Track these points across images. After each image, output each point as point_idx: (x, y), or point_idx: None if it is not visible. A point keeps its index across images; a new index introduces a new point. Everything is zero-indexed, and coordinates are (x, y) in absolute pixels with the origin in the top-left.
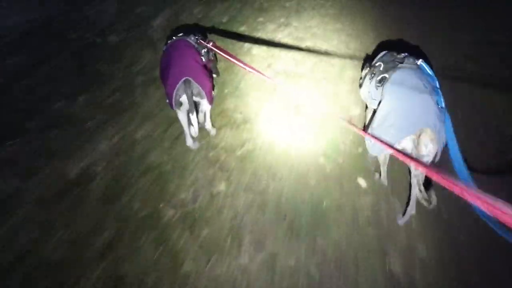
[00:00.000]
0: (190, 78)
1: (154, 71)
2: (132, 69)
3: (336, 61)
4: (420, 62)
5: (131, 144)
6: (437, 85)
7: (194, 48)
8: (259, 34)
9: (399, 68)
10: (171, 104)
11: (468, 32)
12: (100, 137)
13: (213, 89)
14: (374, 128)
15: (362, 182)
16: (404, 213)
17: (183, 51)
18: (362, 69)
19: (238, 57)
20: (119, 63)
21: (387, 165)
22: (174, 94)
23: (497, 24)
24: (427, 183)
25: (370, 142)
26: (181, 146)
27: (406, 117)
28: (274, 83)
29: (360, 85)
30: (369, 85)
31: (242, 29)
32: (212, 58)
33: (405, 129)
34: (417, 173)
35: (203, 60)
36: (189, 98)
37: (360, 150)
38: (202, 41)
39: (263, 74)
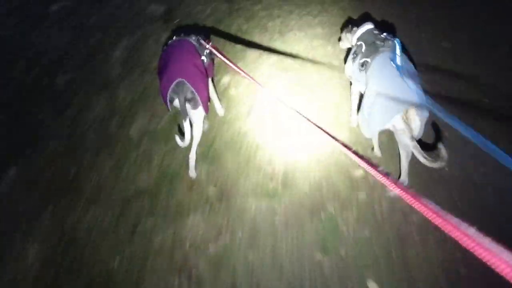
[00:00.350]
0: (184, 80)
1: (108, 124)
2: (80, 122)
3: (330, 101)
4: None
5: (71, 241)
6: (414, 67)
7: (195, 49)
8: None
9: (380, 52)
10: (166, 105)
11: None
12: (31, 238)
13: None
14: (365, 113)
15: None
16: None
17: (182, 52)
18: (341, 31)
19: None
20: (66, 113)
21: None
22: (167, 97)
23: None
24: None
25: (364, 126)
26: (139, 239)
27: (393, 99)
28: (270, 98)
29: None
30: (352, 65)
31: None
32: (212, 61)
33: (394, 110)
34: (414, 144)
35: (205, 62)
36: (182, 104)
37: (367, 233)
38: (203, 42)
39: (258, 83)
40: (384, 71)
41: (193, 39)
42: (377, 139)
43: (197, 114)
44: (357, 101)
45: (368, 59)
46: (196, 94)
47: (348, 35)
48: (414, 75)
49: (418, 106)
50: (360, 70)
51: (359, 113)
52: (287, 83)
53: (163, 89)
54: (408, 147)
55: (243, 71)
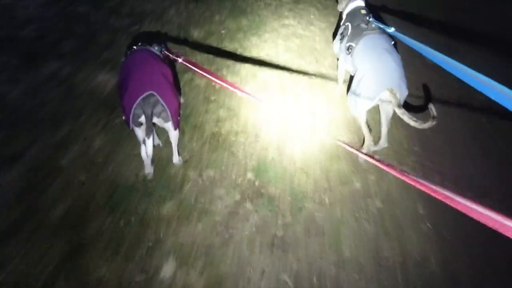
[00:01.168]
0: (154, 94)
1: None
2: None
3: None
4: (391, 30)
5: None
6: (395, 46)
7: (161, 59)
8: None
9: (364, 35)
10: (128, 123)
11: None
12: None
13: (179, 114)
14: (354, 91)
15: None
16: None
17: (148, 62)
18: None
19: None
20: None
21: (367, 123)
22: (132, 111)
23: None
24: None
25: (352, 105)
26: None
27: (377, 77)
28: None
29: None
30: (339, 45)
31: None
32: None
33: (380, 86)
34: (403, 111)
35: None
36: (148, 119)
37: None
38: (169, 53)
39: (244, 92)
40: (368, 53)
41: (155, 49)
42: (365, 122)
43: (170, 129)
44: (343, 76)
45: (353, 43)
46: (166, 108)
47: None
48: (395, 55)
49: (400, 83)
50: (346, 53)
51: (348, 93)
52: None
53: (126, 105)
54: (389, 115)
55: (219, 78)
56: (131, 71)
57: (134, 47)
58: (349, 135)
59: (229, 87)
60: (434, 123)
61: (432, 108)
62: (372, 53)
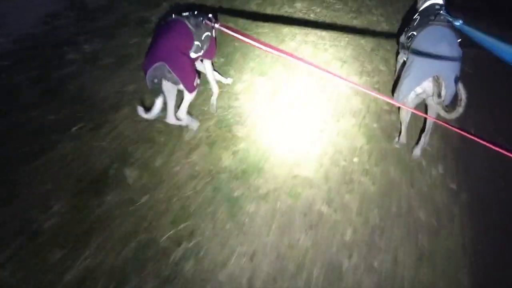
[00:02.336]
0: (164, 63)
1: None
2: None
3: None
4: (458, 23)
5: None
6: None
7: (189, 33)
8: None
9: (429, 25)
10: (147, 84)
11: None
12: None
13: (198, 77)
14: (400, 78)
15: None
16: (418, 141)
17: (169, 33)
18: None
19: None
20: None
21: (407, 126)
22: (147, 76)
23: None
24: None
25: (396, 90)
26: None
27: (427, 63)
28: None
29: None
30: (404, 36)
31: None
32: (213, 43)
33: (422, 76)
34: (439, 100)
35: (199, 47)
36: (159, 82)
37: None
38: (208, 22)
39: (286, 53)
40: (425, 41)
41: (191, 21)
42: (406, 122)
43: (185, 92)
44: (400, 68)
45: (415, 32)
46: (177, 77)
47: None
48: (454, 47)
49: (449, 75)
50: (407, 42)
51: (396, 80)
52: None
53: (145, 68)
54: (434, 107)
55: (256, 40)
56: (154, 39)
57: (173, 15)
58: None
59: (264, 47)
60: (461, 110)
61: (461, 89)
62: (430, 41)
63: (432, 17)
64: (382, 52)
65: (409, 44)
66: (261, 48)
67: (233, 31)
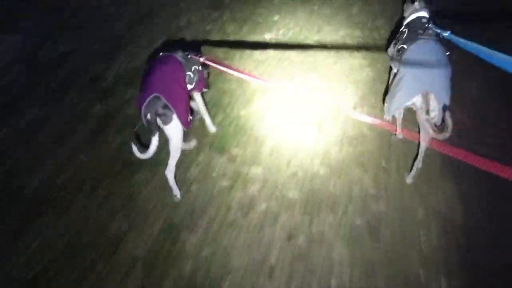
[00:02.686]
0: (158, 95)
1: None
2: None
3: None
4: (446, 33)
5: None
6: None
7: (180, 64)
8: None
9: (418, 39)
10: (142, 121)
11: None
12: None
13: (191, 114)
14: (390, 93)
15: None
16: (411, 169)
17: (162, 66)
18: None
19: None
20: None
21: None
22: (142, 111)
23: None
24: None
25: (386, 105)
26: None
27: (416, 78)
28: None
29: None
30: (393, 49)
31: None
32: (206, 76)
33: (412, 91)
34: (427, 117)
35: (192, 77)
36: (152, 119)
37: None
38: (194, 56)
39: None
40: (415, 55)
41: (179, 55)
42: (400, 119)
43: (169, 129)
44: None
45: (405, 46)
46: (168, 109)
47: (407, 7)
48: (443, 63)
49: (439, 91)
50: (397, 55)
51: (387, 94)
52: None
53: (139, 104)
54: (425, 126)
55: (244, 73)
56: (147, 76)
57: (161, 52)
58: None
59: (250, 78)
60: (448, 135)
61: (448, 118)
62: (420, 56)
63: (421, 31)
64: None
65: (399, 57)
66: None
67: (217, 63)
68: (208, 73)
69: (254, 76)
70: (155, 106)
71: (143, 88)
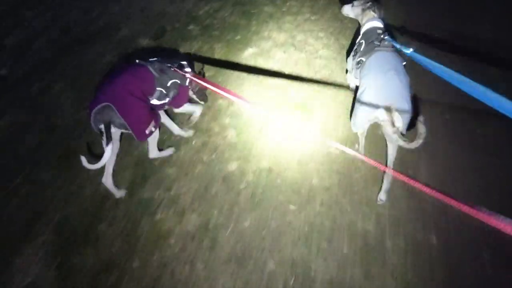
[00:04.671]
0: (111, 106)
1: None
2: None
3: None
4: (409, 51)
5: None
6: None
7: (150, 78)
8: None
9: (375, 51)
10: (93, 127)
11: None
12: None
13: (155, 123)
14: (354, 106)
15: None
16: (381, 186)
17: (128, 75)
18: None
19: None
20: None
21: (365, 138)
22: (92, 118)
23: None
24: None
25: (352, 119)
26: None
27: (377, 92)
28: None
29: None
30: (352, 61)
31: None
32: (197, 90)
33: (378, 101)
34: (396, 129)
35: (163, 93)
36: (107, 127)
37: None
38: (178, 70)
39: (248, 102)
40: (374, 68)
41: (154, 67)
42: (364, 136)
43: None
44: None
45: (363, 58)
46: (124, 121)
47: (363, 15)
48: (401, 74)
49: (400, 103)
50: (356, 68)
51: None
52: (274, 99)
53: (90, 108)
54: (392, 137)
55: (230, 93)
56: (106, 79)
57: (136, 60)
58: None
59: (236, 99)
60: (421, 141)
61: (421, 123)
62: (378, 69)
63: (377, 43)
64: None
65: (358, 70)
66: (227, 97)
67: (205, 81)
68: (199, 89)
69: (241, 97)
70: (108, 116)
71: (99, 91)
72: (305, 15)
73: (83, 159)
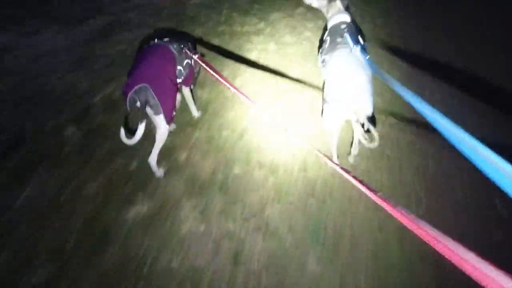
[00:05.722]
0: (148, 86)
1: None
2: None
3: None
4: (365, 58)
5: None
6: (366, 62)
7: (172, 57)
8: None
9: (337, 49)
10: (125, 106)
11: None
12: None
13: (174, 109)
14: (322, 105)
15: None
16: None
17: (155, 57)
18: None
19: None
20: None
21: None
22: (128, 96)
23: None
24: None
25: (322, 118)
26: None
27: (341, 90)
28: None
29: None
30: (320, 58)
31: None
32: (196, 75)
33: (343, 99)
34: (359, 127)
35: (182, 72)
36: (142, 106)
37: None
38: (188, 51)
39: (249, 99)
40: (336, 66)
41: (174, 46)
42: (337, 134)
43: (159, 120)
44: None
45: (327, 56)
46: (158, 102)
47: (329, 7)
48: (363, 71)
49: (363, 99)
50: (322, 67)
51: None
52: (277, 96)
53: (126, 89)
54: (358, 130)
55: (231, 84)
56: (138, 62)
57: (156, 39)
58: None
59: (237, 92)
60: (377, 144)
61: (373, 131)
62: (340, 67)
63: (339, 39)
64: None
65: (324, 67)
66: (229, 89)
67: (208, 66)
68: (199, 71)
69: (242, 93)
70: (145, 95)
71: (132, 75)
72: None
73: (122, 133)
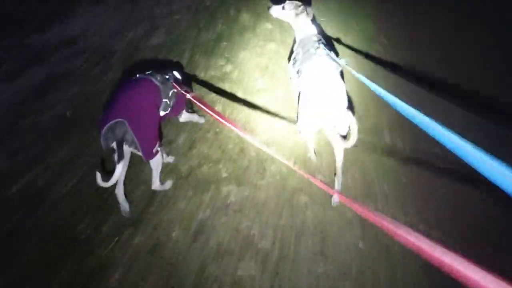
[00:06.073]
0: (124, 121)
1: None
2: None
3: None
4: (343, 61)
5: None
6: (341, 72)
7: (155, 90)
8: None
9: (312, 59)
10: (101, 143)
11: None
12: None
13: (159, 142)
14: (299, 115)
15: None
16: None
17: (135, 90)
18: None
19: None
20: None
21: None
22: (102, 133)
23: None
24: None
25: (299, 128)
26: None
27: (316, 99)
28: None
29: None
30: (292, 69)
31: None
32: (190, 111)
33: (318, 108)
34: (335, 133)
35: (167, 104)
36: (119, 144)
37: None
38: (176, 85)
39: (244, 133)
40: (311, 76)
41: (157, 78)
42: (312, 142)
43: (143, 155)
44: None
45: (301, 67)
46: (135, 138)
47: (290, 14)
48: (338, 80)
49: (339, 107)
50: (297, 77)
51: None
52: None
53: (101, 124)
54: (333, 138)
55: (225, 119)
56: (114, 95)
57: (137, 75)
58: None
59: (233, 127)
60: (353, 142)
61: (354, 126)
62: (315, 77)
63: (313, 50)
64: None
65: (299, 78)
66: (224, 124)
67: (201, 102)
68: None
69: (236, 126)
70: (121, 131)
71: (109, 109)
72: None
73: (98, 176)
